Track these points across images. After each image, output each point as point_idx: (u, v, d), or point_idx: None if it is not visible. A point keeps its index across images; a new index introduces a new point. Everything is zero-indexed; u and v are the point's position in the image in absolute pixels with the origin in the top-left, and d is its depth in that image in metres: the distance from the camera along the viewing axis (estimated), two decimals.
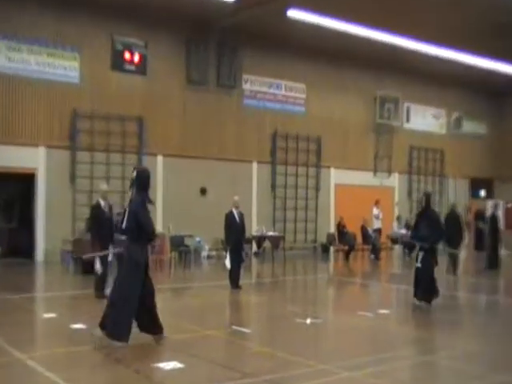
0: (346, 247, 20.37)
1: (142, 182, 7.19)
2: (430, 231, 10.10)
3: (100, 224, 10.66)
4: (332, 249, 21.90)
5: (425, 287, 10.09)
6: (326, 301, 12.24)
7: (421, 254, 10.11)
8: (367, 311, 9.59)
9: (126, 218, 7.13)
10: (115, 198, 17.06)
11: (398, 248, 21.34)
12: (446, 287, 13.56)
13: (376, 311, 9.65)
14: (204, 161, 20.07)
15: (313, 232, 22.93)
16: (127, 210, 7.17)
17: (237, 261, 12.30)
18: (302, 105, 22.79)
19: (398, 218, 22.30)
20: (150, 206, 7.27)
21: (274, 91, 22.06)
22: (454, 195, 27.30)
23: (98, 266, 10.50)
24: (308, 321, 8.78)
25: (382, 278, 15.84)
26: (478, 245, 21.78)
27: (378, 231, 21.04)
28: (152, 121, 19.13)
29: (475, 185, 28.55)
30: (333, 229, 22.46)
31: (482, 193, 28.65)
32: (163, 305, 11.37)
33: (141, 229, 7.05)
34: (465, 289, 13.72)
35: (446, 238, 15.13)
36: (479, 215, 22.82)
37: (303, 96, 22.79)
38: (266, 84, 21.88)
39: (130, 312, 7.04)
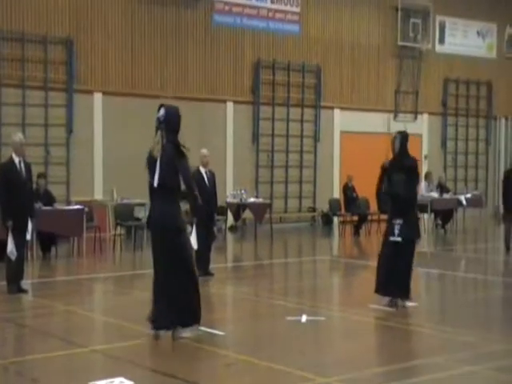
0: (356, 218, 20.46)
1: (173, 122, 8.03)
2: (406, 187, 9.65)
3: (13, 190, 10.51)
4: (337, 220, 21.95)
5: (405, 275, 9.62)
6: (329, 291, 12.27)
7: (398, 222, 9.73)
8: (384, 305, 9.63)
9: (158, 171, 7.68)
10: (35, 153, 16.89)
11: (426, 218, 21.44)
12: (497, 271, 13.71)
13: (397, 304, 9.69)
14: (159, 101, 19.66)
15: (310, 197, 22.98)
16: (158, 159, 7.72)
17: (206, 238, 12.34)
18: (295, 22, 22.54)
19: (427, 177, 22.34)
20: None
21: (256, 3, 21.78)
22: (508, 144, 27.38)
23: (10, 247, 10.39)
24: (303, 319, 8.83)
25: None
26: None
27: None
28: (85, 44, 18.84)
29: None
30: (338, 193, 22.51)
31: None
32: (104, 300, 11.38)
33: (178, 185, 7.74)
34: None
35: (504, 205, 15.24)
36: None
37: (297, 10, 22.53)
38: None
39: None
